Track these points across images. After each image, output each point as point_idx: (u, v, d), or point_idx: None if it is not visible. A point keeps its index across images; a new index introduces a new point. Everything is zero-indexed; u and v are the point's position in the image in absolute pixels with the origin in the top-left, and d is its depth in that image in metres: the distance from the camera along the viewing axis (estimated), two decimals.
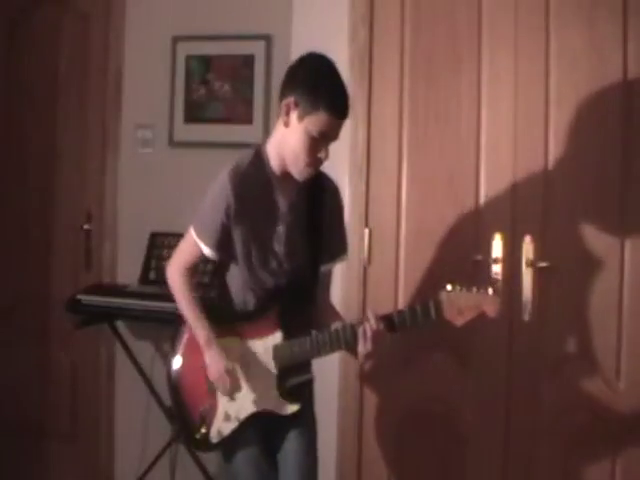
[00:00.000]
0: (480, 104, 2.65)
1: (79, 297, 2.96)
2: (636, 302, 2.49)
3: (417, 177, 2.73)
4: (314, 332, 2.03)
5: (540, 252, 2.52)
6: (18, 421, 3.37)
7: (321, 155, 1.96)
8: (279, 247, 2.07)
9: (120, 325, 3.18)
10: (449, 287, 1.90)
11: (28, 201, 3.41)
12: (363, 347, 1.94)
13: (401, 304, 2.70)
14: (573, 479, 2.55)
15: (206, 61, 3.18)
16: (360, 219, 2.78)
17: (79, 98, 3.34)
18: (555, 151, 2.56)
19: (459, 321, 1.90)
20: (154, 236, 3.13)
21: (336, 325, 2.03)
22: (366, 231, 2.78)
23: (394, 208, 2.75)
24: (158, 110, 3.23)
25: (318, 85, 1.92)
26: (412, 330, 1.97)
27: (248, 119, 3.07)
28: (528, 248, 2.52)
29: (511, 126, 2.60)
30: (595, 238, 2.52)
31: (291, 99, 1.94)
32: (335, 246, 2.17)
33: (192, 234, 2.08)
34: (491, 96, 2.63)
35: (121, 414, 3.30)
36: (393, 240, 2.75)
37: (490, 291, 1.88)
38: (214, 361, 2.03)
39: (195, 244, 2.08)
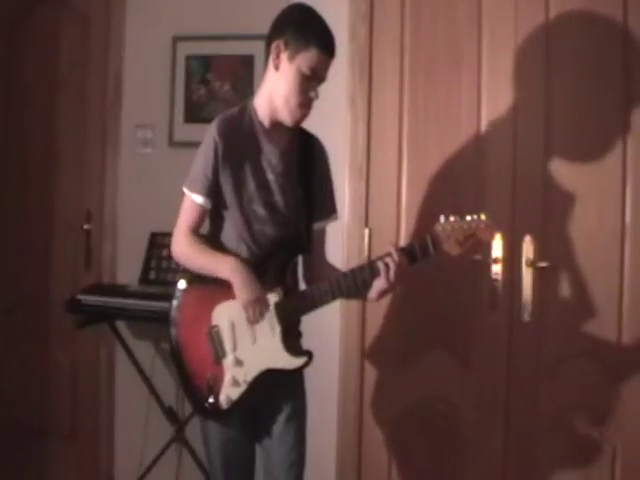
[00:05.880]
0: (480, 104, 2.64)
1: (79, 297, 2.96)
2: (636, 302, 2.48)
3: (417, 177, 2.73)
4: (313, 285, 2.05)
5: (540, 252, 2.52)
6: (18, 421, 3.37)
7: (312, 95, 2.01)
8: (270, 196, 2.06)
9: (120, 325, 3.18)
10: (442, 219, 1.92)
11: (28, 201, 3.41)
12: (385, 281, 1.95)
13: (401, 303, 2.70)
14: (573, 479, 2.55)
15: (206, 61, 3.18)
16: (360, 219, 2.77)
17: (79, 98, 3.34)
18: (555, 151, 2.56)
19: (456, 251, 1.92)
20: (154, 236, 3.13)
21: (339, 272, 2.06)
22: (366, 231, 2.77)
23: (394, 208, 2.75)
24: (158, 110, 3.23)
25: (308, 24, 2.01)
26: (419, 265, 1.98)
27: None
28: (528, 248, 2.52)
29: (511, 126, 2.60)
30: (595, 238, 2.51)
31: (281, 41, 2.00)
32: (326, 204, 2.17)
33: (186, 193, 2.08)
34: (491, 96, 2.63)
35: (121, 414, 3.30)
36: (393, 240, 2.74)
37: (483, 217, 1.91)
38: (246, 286, 1.97)
39: (191, 201, 2.07)
